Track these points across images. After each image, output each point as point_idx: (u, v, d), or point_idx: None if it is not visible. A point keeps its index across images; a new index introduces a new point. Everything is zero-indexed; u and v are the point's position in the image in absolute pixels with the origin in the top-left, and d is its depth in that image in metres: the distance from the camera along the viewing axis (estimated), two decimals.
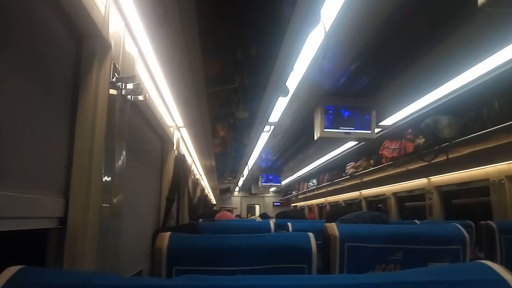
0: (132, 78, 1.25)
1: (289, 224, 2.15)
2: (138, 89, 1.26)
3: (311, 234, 1.18)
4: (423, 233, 1.28)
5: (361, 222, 1.44)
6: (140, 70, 1.60)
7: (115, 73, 1.19)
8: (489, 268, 0.43)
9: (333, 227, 1.23)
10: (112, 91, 1.18)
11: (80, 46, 1.12)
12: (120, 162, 1.32)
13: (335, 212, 2.27)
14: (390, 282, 0.42)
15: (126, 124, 1.36)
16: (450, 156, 3.20)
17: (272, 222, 2.11)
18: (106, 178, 1.18)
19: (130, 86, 1.25)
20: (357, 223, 1.44)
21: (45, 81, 0.96)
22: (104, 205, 1.16)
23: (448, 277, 0.43)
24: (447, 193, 3.91)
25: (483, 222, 1.99)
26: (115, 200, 1.27)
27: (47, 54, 0.97)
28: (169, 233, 1.16)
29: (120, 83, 1.21)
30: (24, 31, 0.86)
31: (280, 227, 2.12)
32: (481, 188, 3.30)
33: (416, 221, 2.77)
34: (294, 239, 1.18)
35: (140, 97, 1.31)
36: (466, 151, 3.06)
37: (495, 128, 2.56)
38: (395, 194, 4.92)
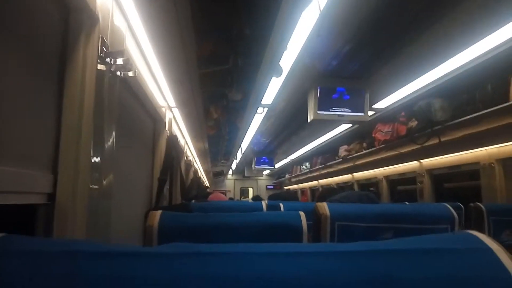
0: (121, 52, 1.22)
1: (281, 204, 2.17)
2: (127, 65, 1.23)
3: (301, 213, 1.18)
4: (412, 213, 1.29)
5: (349, 202, 1.45)
6: (130, 46, 1.57)
7: (104, 47, 1.16)
8: (474, 237, 0.43)
9: (323, 206, 1.23)
10: (101, 66, 1.15)
11: (67, 19, 1.09)
12: (110, 141, 1.31)
13: (326, 194, 2.28)
14: (375, 250, 0.42)
15: (115, 101, 1.34)
16: (442, 139, 3.22)
17: (264, 203, 2.11)
18: (94, 157, 1.16)
19: (119, 61, 1.22)
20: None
21: (32, 56, 0.93)
22: (93, 185, 1.15)
23: (433, 245, 0.43)
24: (438, 176, 3.95)
25: (472, 204, 2.02)
26: (104, 180, 1.26)
27: (32, 28, 0.93)
28: (160, 211, 1.15)
29: (108, 58, 1.18)
30: (8, 4, 0.83)
31: (272, 207, 2.12)
32: (472, 171, 3.34)
33: (406, 203, 2.80)
34: (285, 217, 1.19)
35: (130, 73, 1.28)
36: (458, 134, 3.07)
37: (486, 111, 2.56)
38: (386, 177, 4.96)
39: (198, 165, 7.01)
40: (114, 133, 1.34)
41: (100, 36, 1.14)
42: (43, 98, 1.00)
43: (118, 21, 1.33)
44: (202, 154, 6.18)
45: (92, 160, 1.14)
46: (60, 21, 1.07)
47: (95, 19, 1.12)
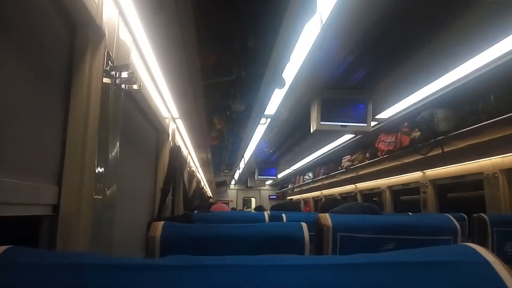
0: (126, 66, 1.24)
1: (283, 215, 2.17)
2: (132, 78, 1.25)
3: (303, 224, 1.19)
4: (415, 224, 1.29)
5: (351, 213, 1.45)
6: (135, 60, 1.59)
7: (109, 61, 1.18)
8: (472, 250, 0.43)
9: (326, 217, 1.24)
10: (106, 80, 1.17)
11: (74, 35, 1.12)
12: (114, 153, 1.32)
13: (329, 204, 2.28)
14: (374, 262, 0.42)
15: (120, 113, 1.36)
16: (445, 150, 3.21)
17: (266, 214, 2.12)
18: (99, 168, 1.17)
19: (124, 74, 1.24)
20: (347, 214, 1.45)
21: (39, 70, 0.95)
22: (97, 196, 1.16)
23: (430, 258, 0.43)
24: (442, 186, 3.93)
25: (475, 214, 2.01)
26: (108, 190, 1.27)
27: (40, 43, 0.96)
28: (162, 222, 1.16)
29: (114, 72, 1.21)
30: (17, 20, 0.85)
31: (275, 218, 2.13)
32: (475, 181, 3.33)
33: (409, 213, 2.79)
34: (287, 228, 1.19)
35: (135, 86, 1.30)
36: (461, 144, 3.07)
37: (490, 121, 2.57)
38: (390, 187, 4.94)
39: (201, 175, 7.02)
40: (118, 144, 1.35)
41: (106, 50, 1.16)
42: (49, 111, 1.02)
43: (124, 36, 1.36)
44: (205, 165, 6.19)
45: (96, 171, 1.15)
46: (67, 36, 1.09)
47: (101, 34, 1.14)
